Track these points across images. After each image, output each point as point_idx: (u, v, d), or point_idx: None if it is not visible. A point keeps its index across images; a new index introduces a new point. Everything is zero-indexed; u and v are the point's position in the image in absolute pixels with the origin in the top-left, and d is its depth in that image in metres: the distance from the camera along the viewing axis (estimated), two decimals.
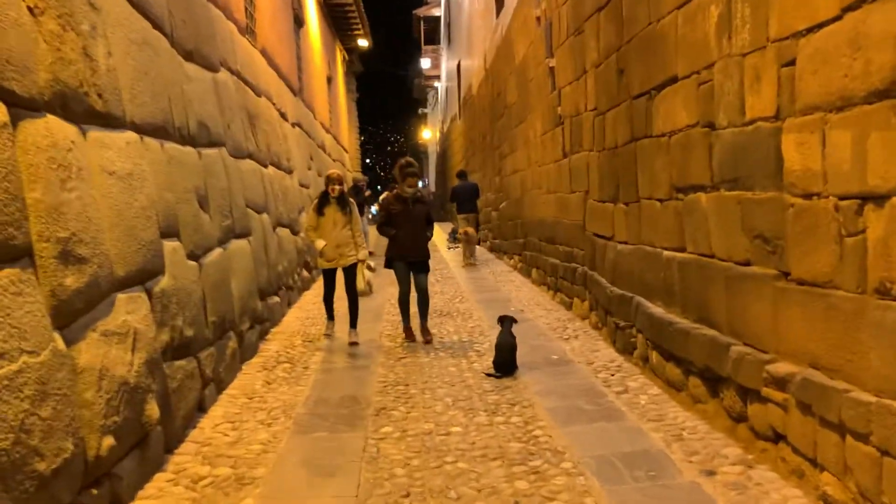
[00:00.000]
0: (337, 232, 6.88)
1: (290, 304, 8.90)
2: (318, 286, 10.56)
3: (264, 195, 8.12)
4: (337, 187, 6.85)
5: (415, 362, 6.16)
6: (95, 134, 3.70)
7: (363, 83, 38.48)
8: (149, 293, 4.03)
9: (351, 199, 7.13)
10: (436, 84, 36.65)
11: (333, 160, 18.44)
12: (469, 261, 13.20)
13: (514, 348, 5.70)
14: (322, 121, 16.99)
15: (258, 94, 8.99)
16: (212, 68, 6.59)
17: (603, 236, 6.86)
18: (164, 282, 4.29)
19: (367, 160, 61.36)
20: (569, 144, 8.16)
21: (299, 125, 12.53)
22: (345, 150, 23.36)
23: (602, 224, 6.89)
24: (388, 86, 50.90)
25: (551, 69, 8.84)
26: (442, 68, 33.47)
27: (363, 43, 23.96)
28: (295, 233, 9.84)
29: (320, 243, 6.87)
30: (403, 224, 6.89)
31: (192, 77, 5.82)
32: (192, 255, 4.99)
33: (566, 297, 8.31)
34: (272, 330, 7.51)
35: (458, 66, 24.42)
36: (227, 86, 7.17)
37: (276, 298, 7.94)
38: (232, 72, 7.55)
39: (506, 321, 5.92)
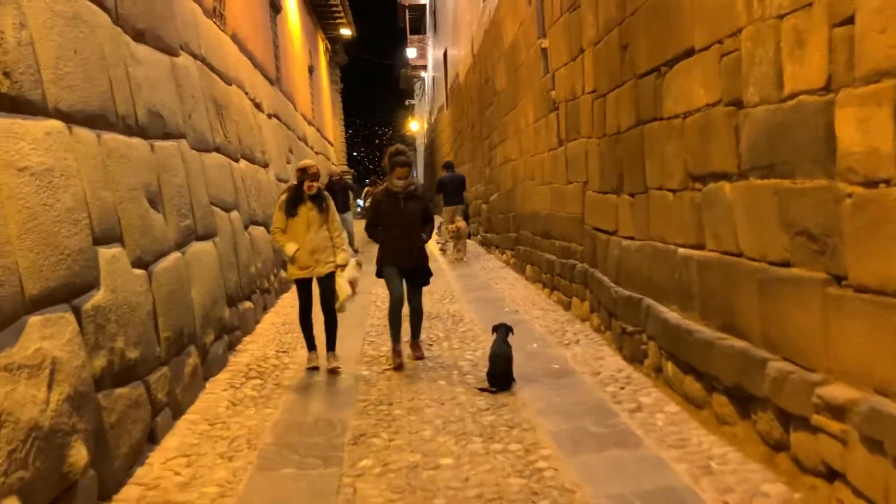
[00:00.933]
0: (312, 234, 5.71)
1: (265, 309, 8.25)
2: None
3: (234, 191, 7.46)
4: (314, 184, 5.70)
5: (400, 375, 5.53)
6: (0, 122, 3.04)
7: (348, 75, 37.72)
8: (77, 312, 3.38)
9: (326, 193, 6.00)
10: (422, 74, 35.91)
11: (316, 153, 17.75)
12: (458, 256, 12.60)
13: (509, 359, 5.08)
14: (303, 112, 16.29)
15: (228, 83, 8.31)
16: (169, 51, 5.92)
17: (605, 231, 6.25)
18: (99, 297, 3.63)
19: (355, 153, 60.57)
20: (564, 131, 7.54)
21: (276, 116, 11.85)
22: (329, 142, 22.66)
23: (603, 217, 6.27)
24: (375, 77, 50.06)
25: (544, 50, 8.20)
26: (428, 58, 32.74)
27: (346, 32, 23.24)
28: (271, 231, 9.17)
29: (291, 248, 5.68)
30: (395, 224, 5.80)
31: (143, 60, 5.15)
32: (140, 263, 4.34)
33: (564, 297, 7.70)
34: (244, 339, 6.86)
35: (445, 54, 23.73)
36: (189, 72, 6.50)
37: (249, 304, 7.29)
38: (196, 57, 6.87)
39: (500, 329, 5.31)
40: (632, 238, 5.52)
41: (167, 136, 5.42)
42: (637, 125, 5.29)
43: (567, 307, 7.53)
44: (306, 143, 15.90)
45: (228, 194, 7.17)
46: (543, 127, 8.47)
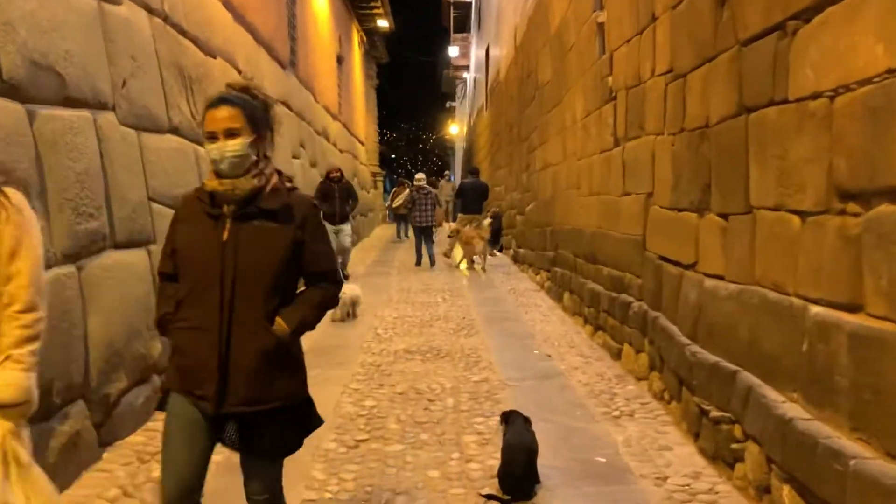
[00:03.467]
0: None
1: None
2: None
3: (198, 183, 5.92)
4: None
5: (377, 456, 3.89)
6: None
7: (391, 76, 36.42)
8: None
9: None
10: (464, 75, 34.32)
11: (341, 151, 16.26)
12: (474, 266, 11.37)
13: (533, 454, 3.39)
14: (327, 105, 14.80)
15: (210, 54, 6.80)
16: None
17: (676, 262, 4.54)
18: None
19: (394, 156, 59.39)
20: (623, 127, 5.84)
21: (286, 104, 10.33)
22: (359, 141, 21.17)
23: (675, 244, 4.57)
24: (419, 81, 48.50)
25: (600, 26, 6.52)
26: (471, 57, 31.15)
27: (383, 24, 21.74)
28: None
29: None
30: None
31: None
32: None
33: (612, 341, 5.98)
34: None
35: (487, 52, 22.10)
36: (134, 27, 4.98)
37: None
38: (153, 11, 5.36)
39: (514, 420, 3.60)
40: (721, 278, 3.81)
41: (69, 102, 3.88)
42: (738, 114, 3.59)
43: (616, 355, 5.81)
44: (327, 139, 14.39)
45: (187, 188, 5.61)
46: (595, 123, 6.78)
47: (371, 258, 14.15)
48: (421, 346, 6.45)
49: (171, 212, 5.26)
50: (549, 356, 6.04)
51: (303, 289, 2.34)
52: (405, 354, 6.13)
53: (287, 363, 2.27)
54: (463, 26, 32.79)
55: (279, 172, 2.30)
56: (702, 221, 4.12)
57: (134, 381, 4.25)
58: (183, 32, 6.10)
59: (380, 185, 26.16)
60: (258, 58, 8.89)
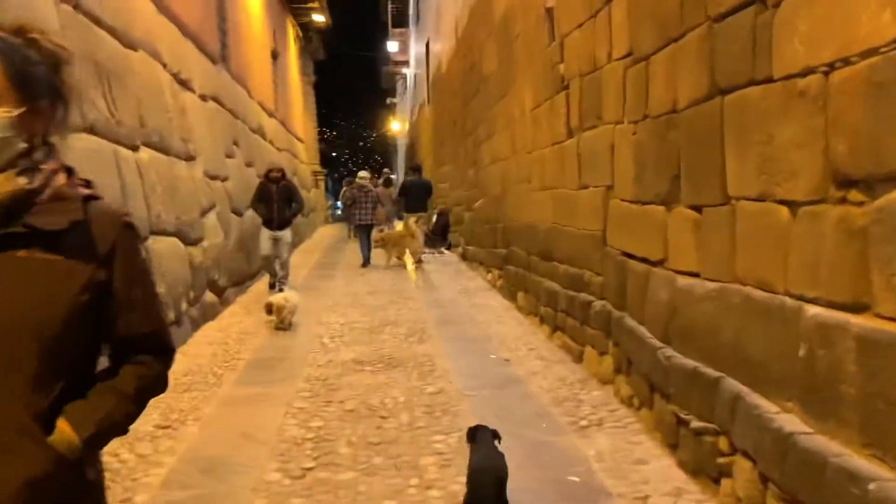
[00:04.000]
0: None
1: None
2: (233, 313, 7.86)
3: (120, 189, 5.38)
4: None
5: (326, 487, 3.47)
6: None
7: (331, 74, 35.61)
8: None
9: None
10: (404, 70, 33.83)
11: (279, 149, 15.66)
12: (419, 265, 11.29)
13: (503, 480, 3.02)
14: (262, 101, 14.19)
15: (129, 46, 6.24)
16: None
17: (643, 259, 4.25)
18: None
19: (335, 154, 58.46)
20: (577, 117, 5.54)
21: (217, 100, 9.75)
22: (298, 139, 20.54)
23: (640, 239, 4.27)
24: (358, 77, 47.66)
25: (548, 11, 6.21)
26: (410, 53, 30.69)
27: (319, 18, 21.19)
28: (190, 242, 7.08)
29: None
30: None
31: None
32: None
33: (572, 342, 5.68)
34: None
35: (427, 47, 21.72)
36: (38, 12, 4.43)
37: None
38: None
39: (481, 435, 3.25)
40: (696, 275, 3.52)
41: None
42: (710, 97, 3.31)
43: (577, 358, 5.51)
44: (263, 137, 13.79)
45: (105, 195, 5.07)
46: (546, 114, 6.47)
47: (314, 260, 13.62)
48: (370, 355, 6.04)
49: None
50: (508, 360, 5.71)
51: (107, 366, 1.36)
52: (354, 365, 5.72)
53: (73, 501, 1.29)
54: (401, 21, 32.31)
55: (68, 170, 1.32)
56: (671, 215, 3.83)
57: None
58: (97, 21, 5.55)
59: (321, 184, 25.54)
60: (185, 50, 8.32)
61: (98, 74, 5.31)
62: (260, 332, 6.95)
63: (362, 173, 13.81)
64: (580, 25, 5.34)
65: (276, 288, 8.87)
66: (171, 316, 6.13)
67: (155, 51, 6.99)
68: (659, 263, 4.00)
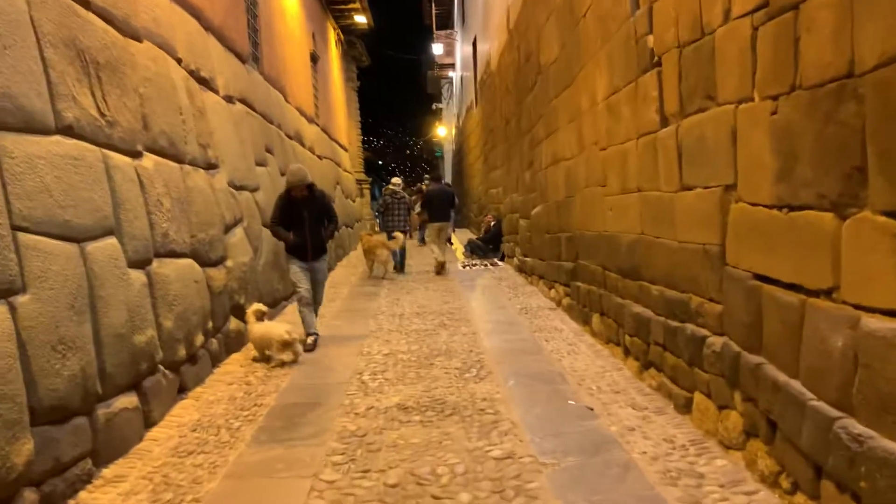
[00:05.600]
0: None
1: (183, 391, 5.17)
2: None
3: (111, 205, 4.39)
4: None
5: None
6: None
7: (373, 78, 34.83)
8: None
9: None
10: (450, 74, 32.84)
11: (319, 157, 14.73)
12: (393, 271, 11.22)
13: None
14: (300, 106, 13.29)
15: (130, 35, 5.29)
16: None
17: (791, 286, 3.05)
18: None
19: (381, 162, 57.92)
20: (675, 100, 4.35)
21: (246, 103, 8.81)
22: (342, 146, 19.63)
23: (788, 257, 3.07)
24: (401, 81, 46.96)
25: None
26: (456, 55, 29.68)
27: (361, 19, 20.24)
28: (210, 263, 6.10)
29: None
30: None
31: None
32: None
33: (674, 386, 4.48)
34: (102, 473, 3.79)
35: (474, 46, 20.64)
36: None
37: (129, 401, 4.21)
38: None
39: None
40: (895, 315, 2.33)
41: None
42: None
43: (683, 406, 4.30)
44: (302, 144, 12.87)
45: (88, 211, 4.09)
46: (627, 101, 5.29)
47: (358, 274, 12.63)
48: (420, 398, 4.95)
49: (57, 245, 3.75)
50: (592, 409, 4.53)
51: None
52: (399, 414, 4.63)
53: None
54: (446, 23, 31.34)
55: None
56: (847, 225, 2.63)
57: None
58: (85, 3, 4.60)
59: (366, 192, 24.66)
60: (205, 45, 7.38)
61: (82, 64, 4.34)
62: (286, 370, 5.93)
63: (395, 179, 13.60)
64: None
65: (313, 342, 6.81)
66: (181, 353, 5.14)
67: (166, 43, 6.05)
68: (824, 294, 2.80)
